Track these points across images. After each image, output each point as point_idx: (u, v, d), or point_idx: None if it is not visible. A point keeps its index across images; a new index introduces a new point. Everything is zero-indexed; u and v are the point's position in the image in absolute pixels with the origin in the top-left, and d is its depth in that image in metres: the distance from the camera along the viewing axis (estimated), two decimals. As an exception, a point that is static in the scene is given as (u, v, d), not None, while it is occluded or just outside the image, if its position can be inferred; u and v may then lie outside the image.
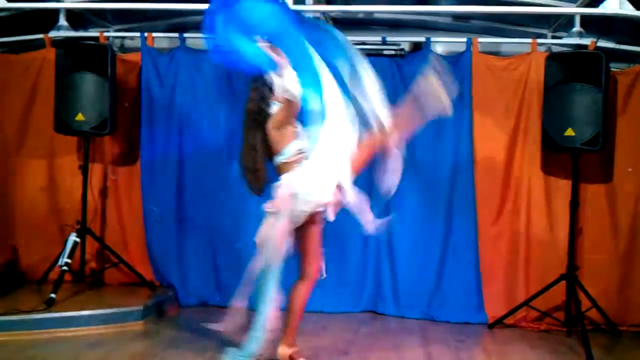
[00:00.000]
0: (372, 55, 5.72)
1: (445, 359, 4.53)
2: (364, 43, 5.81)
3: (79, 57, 5.57)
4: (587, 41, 5.46)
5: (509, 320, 5.35)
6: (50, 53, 5.83)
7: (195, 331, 5.00)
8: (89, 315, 4.95)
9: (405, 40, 5.90)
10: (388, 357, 4.52)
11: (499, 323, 5.35)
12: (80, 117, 5.49)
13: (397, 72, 5.72)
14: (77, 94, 5.50)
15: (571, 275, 5.12)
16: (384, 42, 5.78)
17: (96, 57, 5.54)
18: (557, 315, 5.29)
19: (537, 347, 4.87)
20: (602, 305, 5.14)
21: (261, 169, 3.99)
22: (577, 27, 5.52)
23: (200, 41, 5.99)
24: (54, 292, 5.09)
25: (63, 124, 5.53)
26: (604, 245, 5.42)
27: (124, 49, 6.36)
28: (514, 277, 5.50)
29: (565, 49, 5.57)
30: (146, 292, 5.64)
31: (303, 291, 4.07)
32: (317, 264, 4.07)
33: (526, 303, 5.28)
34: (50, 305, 4.99)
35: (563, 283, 5.16)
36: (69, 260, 5.37)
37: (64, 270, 5.34)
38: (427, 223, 5.63)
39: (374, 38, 5.82)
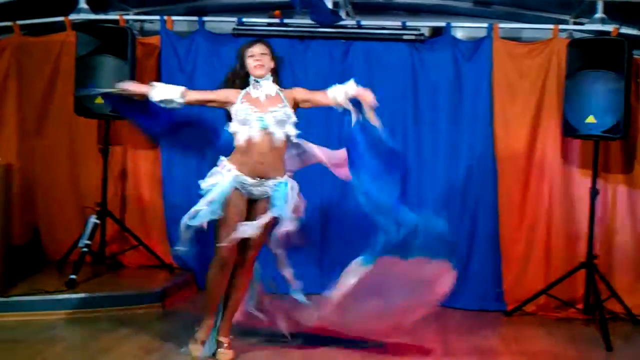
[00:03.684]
0: (392, 40, 5.73)
1: (462, 345, 4.54)
2: (383, 28, 5.78)
3: (99, 40, 5.59)
4: (609, 27, 5.40)
5: (528, 308, 5.35)
6: (70, 36, 5.86)
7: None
8: (109, 297, 5.02)
9: (425, 25, 5.86)
10: (404, 344, 4.53)
11: (517, 310, 5.34)
12: (100, 100, 5.50)
13: (417, 58, 5.69)
14: (97, 77, 5.50)
15: (590, 264, 5.10)
16: (404, 27, 5.74)
17: (116, 40, 5.56)
18: (577, 304, 5.28)
19: (555, 334, 4.87)
20: (621, 295, 5.12)
21: None
22: (599, 13, 5.47)
23: (220, 25, 6.01)
24: (75, 273, 5.14)
25: (83, 106, 5.56)
26: (623, 234, 5.39)
27: (143, 32, 6.36)
28: (534, 265, 5.48)
29: (587, 35, 5.51)
30: (165, 275, 5.69)
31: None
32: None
33: (544, 291, 5.27)
34: (70, 286, 5.05)
35: (583, 272, 5.14)
36: (89, 242, 5.42)
37: (84, 252, 5.39)
38: (447, 210, 5.58)
39: (394, 23, 5.79)
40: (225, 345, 4.07)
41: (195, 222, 3.92)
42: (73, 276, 5.11)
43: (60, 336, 4.33)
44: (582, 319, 5.20)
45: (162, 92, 3.97)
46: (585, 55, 5.13)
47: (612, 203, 5.41)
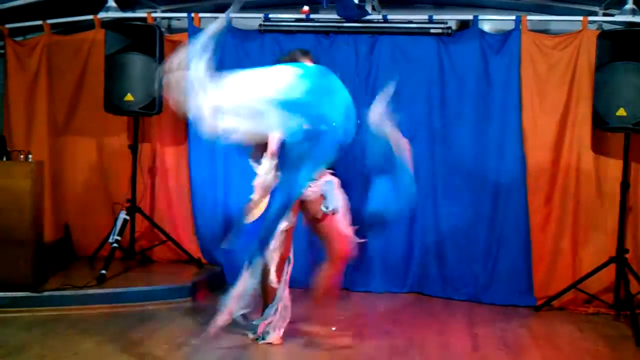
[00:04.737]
0: (418, 34, 5.70)
1: (491, 340, 4.51)
2: (410, 22, 5.76)
3: (127, 37, 5.65)
4: (640, 19, 5.33)
5: (557, 303, 5.31)
6: (99, 34, 5.93)
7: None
8: (138, 292, 5.08)
9: (452, 18, 5.82)
10: (432, 337, 4.52)
11: (546, 305, 5.30)
12: (129, 97, 5.57)
13: (444, 51, 5.66)
14: (126, 75, 5.58)
15: (620, 258, 5.04)
16: (431, 21, 5.71)
17: (144, 38, 5.61)
18: (606, 298, 5.22)
19: (585, 330, 4.82)
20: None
21: None
22: (629, 4, 5.39)
23: (246, 21, 6.04)
24: (105, 268, 5.22)
25: (112, 104, 5.62)
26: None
27: (171, 30, 6.41)
28: (564, 259, 5.43)
29: (617, 26, 5.44)
30: (194, 270, 5.74)
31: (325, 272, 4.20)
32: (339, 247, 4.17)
33: (574, 286, 5.22)
34: (101, 281, 5.12)
35: (613, 265, 5.08)
36: (119, 238, 5.50)
37: (114, 248, 5.48)
38: (475, 205, 5.58)
39: (421, 17, 5.76)
40: None
41: (271, 231, 3.95)
42: (103, 271, 5.19)
43: (91, 330, 4.38)
44: (612, 313, 5.14)
45: None
46: (615, 47, 5.06)
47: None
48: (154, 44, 5.59)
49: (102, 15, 6.07)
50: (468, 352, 4.29)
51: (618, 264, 5.06)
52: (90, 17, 6.08)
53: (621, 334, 4.72)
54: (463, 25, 5.87)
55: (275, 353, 4.17)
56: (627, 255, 5.05)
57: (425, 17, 5.74)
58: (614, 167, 5.29)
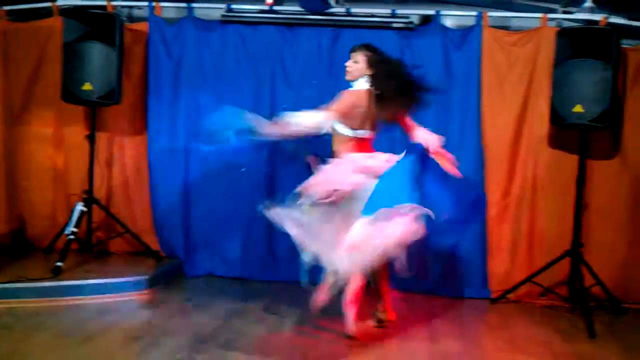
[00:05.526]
0: (381, 28, 5.71)
1: (448, 332, 4.56)
2: (372, 15, 5.77)
3: (86, 25, 5.55)
4: (598, 17, 5.41)
5: (513, 296, 5.39)
6: (57, 21, 5.81)
7: (200, 301, 5.04)
8: (95, 284, 5.00)
9: (414, 13, 5.84)
10: (390, 330, 4.55)
11: (502, 298, 5.37)
12: (87, 86, 5.48)
13: (406, 46, 5.68)
14: (84, 63, 5.48)
15: (575, 252, 5.13)
16: (394, 15, 5.73)
17: (104, 26, 5.52)
18: (561, 291, 5.32)
19: (539, 322, 4.90)
20: (605, 282, 5.15)
21: None
22: (588, 3, 5.48)
23: (208, 11, 5.98)
24: (61, 260, 5.14)
25: (70, 93, 5.52)
26: (609, 221, 5.41)
27: (131, 19, 6.30)
28: (519, 252, 5.51)
29: (576, 24, 5.52)
30: (152, 262, 5.68)
31: None
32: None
33: (529, 279, 5.30)
34: (56, 273, 5.04)
35: (567, 258, 5.17)
36: (75, 229, 5.41)
37: (71, 239, 5.38)
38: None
39: (384, 11, 5.78)
40: None
41: None
42: (59, 263, 5.10)
43: (46, 323, 4.31)
44: (566, 306, 5.24)
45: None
46: (574, 45, 5.13)
47: (597, 191, 5.42)
48: (113, 32, 5.50)
49: (60, 2, 5.95)
50: (426, 344, 4.33)
51: (573, 258, 5.15)
52: (49, 4, 5.95)
53: (574, 326, 4.80)
54: (425, 20, 5.89)
55: (238, 339, 4.16)
56: (581, 249, 5.15)
57: (388, 11, 5.76)
58: (570, 163, 5.37)
